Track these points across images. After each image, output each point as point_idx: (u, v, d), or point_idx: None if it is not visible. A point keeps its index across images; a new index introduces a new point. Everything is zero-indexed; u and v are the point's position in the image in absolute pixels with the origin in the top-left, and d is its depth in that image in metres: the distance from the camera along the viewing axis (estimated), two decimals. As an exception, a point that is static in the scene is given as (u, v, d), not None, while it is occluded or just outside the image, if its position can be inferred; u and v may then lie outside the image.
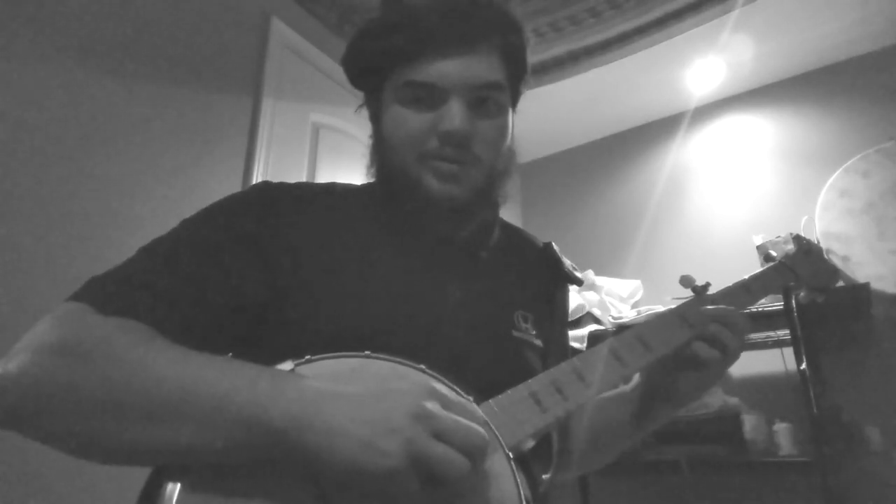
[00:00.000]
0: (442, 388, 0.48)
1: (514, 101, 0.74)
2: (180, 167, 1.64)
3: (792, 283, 0.84)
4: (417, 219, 0.69)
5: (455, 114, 0.64)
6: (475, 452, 0.45)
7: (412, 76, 0.65)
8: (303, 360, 0.50)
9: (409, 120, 0.66)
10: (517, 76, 0.72)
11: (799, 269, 0.84)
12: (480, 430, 0.46)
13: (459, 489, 0.46)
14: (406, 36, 0.65)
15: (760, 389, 2.13)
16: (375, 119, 0.73)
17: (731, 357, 0.70)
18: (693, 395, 0.73)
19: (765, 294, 0.77)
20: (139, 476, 0.50)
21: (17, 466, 1.14)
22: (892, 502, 1.84)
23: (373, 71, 0.69)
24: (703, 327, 0.70)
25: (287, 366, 0.49)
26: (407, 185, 0.66)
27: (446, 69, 0.65)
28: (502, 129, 0.69)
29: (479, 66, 0.66)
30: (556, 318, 0.81)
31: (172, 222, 0.64)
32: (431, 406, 0.45)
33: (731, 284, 0.79)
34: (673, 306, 0.74)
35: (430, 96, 0.65)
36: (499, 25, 0.68)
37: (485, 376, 0.57)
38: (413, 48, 0.65)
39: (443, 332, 0.63)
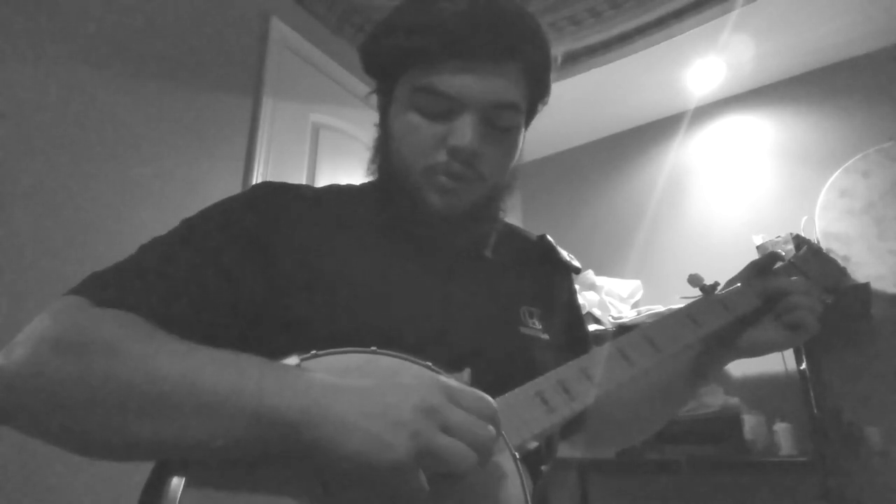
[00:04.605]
0: (450, 380, 0.48)
1: (528, 120, 0.73)
2: (180, 167, 1.63)
3: None
4: (412, 225, 0.68)
5: (467, 130, 0.63)
6: (483, 447, 0.44)
7: (432, 82, 0.64)
8: (309, 354, 0.50)
9: (420, 128, 0.65)
10: (536, 96, 0.72)
11: (808, 269, 0.84)
12: (488, 425, 0.45)
13: (465, 487, 0.46)
14: (434, 38, 0.63)
15: (760, 389, 2.13)
16: (384, 112, 0.71)
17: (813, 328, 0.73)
18: (768, 348, 0.75)
19: None
20: (142, 469, 0.49)
21: (17, 462, 1.14)
22: (893, 502, 1.84)
23: (391, 64, 0.68)
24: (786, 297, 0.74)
25: (293, 360, 0.49)
26: (407, 193, 0.66)
27: (467, 82, 0.63)
28: (510, 150, 0.69)
29: (499, 84, 0.64)
30: (559, 308, 0.81)
31: (172, 222, 0.63)
32: (438, 400, 0.45)
33: (739, 285, 0.78)
34: (680, 305, 0.74)
35: (445, 107, 0.64)
36: (527, 43, 0.67)
37: (493, 375, 0.57)
38: (438, 53, 0.63)
39: (449, 330, 0.62)
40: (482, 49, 0.63)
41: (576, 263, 0.83)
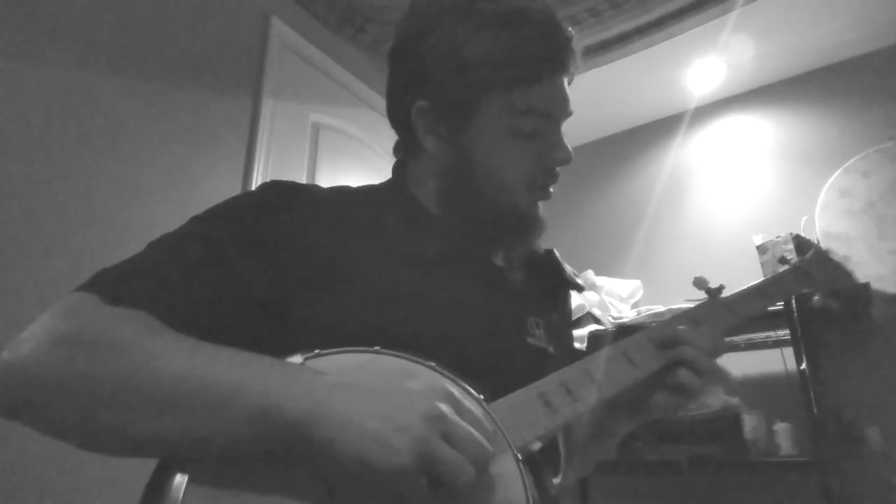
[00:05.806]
0: (455, 390, 0.48)
1: None
2: (180, 167, 1.63)
3: (806, 290, 0.84)
4: (510, 242, 0.72)
5: (566, 144, 0.68)
6: (479, 464, 0.45)
7: (533, 104, 0.65)
8: (312, 353, 0.50)
9: (518, 148, 0.67)
10: None
11: (815, 273, 0.84)
12: (486, 443, 0.46)
13: (465, 491, 0.46)
14: (537, 61, 0.64)
15: (760, 389, 2.13)
16: (455, 129, 0.68)
17: (698, 392, 0.68)
18: (664, 414, 0.71)
19: (781, 298, 0.77)
20: (144, 467, 0.49)
21: (17, 462, 1.14)
22: (893, 502, 1.84)
23: (481, 87, 0.65)
24: (680, 351, 0.67)
25: (296, 359, 0.49)
26: (510, 214, 0.68)
27: (558, 100, 0.67)
28: None
29: (568, 96, 0.69)
30: (562, 323, 0.81)
31: (173, 222, 0.63)
32: (445, 408, 0.45)
33: (745, 287, 0.78)
34: (681, 305, 0.74)
35: (539, 125, 0.67)
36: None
37: (498, 382, 0.57)
38: (543, 71, 0.64)
39: (456, 335, 0.62)
40: (569, 63, 0.67)
41: (579, 282, 0.83)
